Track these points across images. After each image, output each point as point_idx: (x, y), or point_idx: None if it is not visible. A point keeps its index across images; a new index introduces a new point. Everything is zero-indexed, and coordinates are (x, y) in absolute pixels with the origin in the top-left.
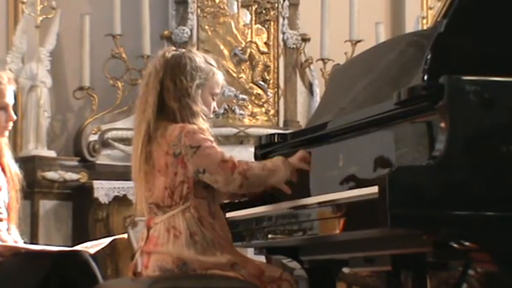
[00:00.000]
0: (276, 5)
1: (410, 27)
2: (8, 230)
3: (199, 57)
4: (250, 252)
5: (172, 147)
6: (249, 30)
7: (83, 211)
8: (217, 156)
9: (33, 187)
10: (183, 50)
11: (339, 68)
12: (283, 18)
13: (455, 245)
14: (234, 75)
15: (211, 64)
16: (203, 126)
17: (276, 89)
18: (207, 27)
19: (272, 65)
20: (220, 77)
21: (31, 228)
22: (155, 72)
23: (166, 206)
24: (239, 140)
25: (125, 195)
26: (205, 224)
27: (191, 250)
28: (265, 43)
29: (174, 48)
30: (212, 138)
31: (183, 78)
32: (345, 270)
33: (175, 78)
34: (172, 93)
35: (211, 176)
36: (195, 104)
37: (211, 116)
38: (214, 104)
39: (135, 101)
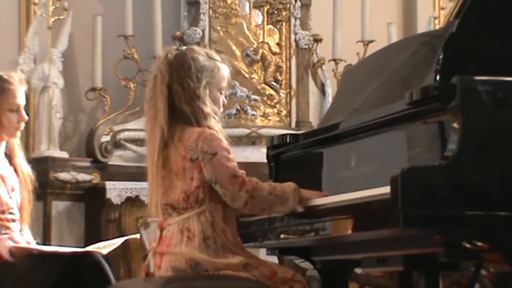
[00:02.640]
0: (288, 5)
1: (422, 27)
2: (20, 231)
3: (202, 55)
4: (262, 253)
5: (190, 152)
6: (261, 31)
7: (96, 212)
8: (230, 170)
9: (45, 188)
10: (185, 48)
11: (351, 68)
12: (295, 19)
13: (467, 245)
14: (246, 75)
15: (214, 59)
16: (216, 127)
17: (288, 90)
18: (219, 28)
19: (284, 66)
20: (225, 70)
21: (43, 229)
22: (161, 76)
23: (181, 208)
24: (251, 140)
25: (137, 196)
26: (217, 230)
27: (204, 253)
28: (277, 44)
29: (175, 47)
30: (226, 142)
31: (189, 80)
32: (357, 270)
33: (182, 81)
34: (182, 97)
35: (221, 188)
36: (205, 105)
37: (221, 109)
38: (223, 98)
39: (144, 104)
